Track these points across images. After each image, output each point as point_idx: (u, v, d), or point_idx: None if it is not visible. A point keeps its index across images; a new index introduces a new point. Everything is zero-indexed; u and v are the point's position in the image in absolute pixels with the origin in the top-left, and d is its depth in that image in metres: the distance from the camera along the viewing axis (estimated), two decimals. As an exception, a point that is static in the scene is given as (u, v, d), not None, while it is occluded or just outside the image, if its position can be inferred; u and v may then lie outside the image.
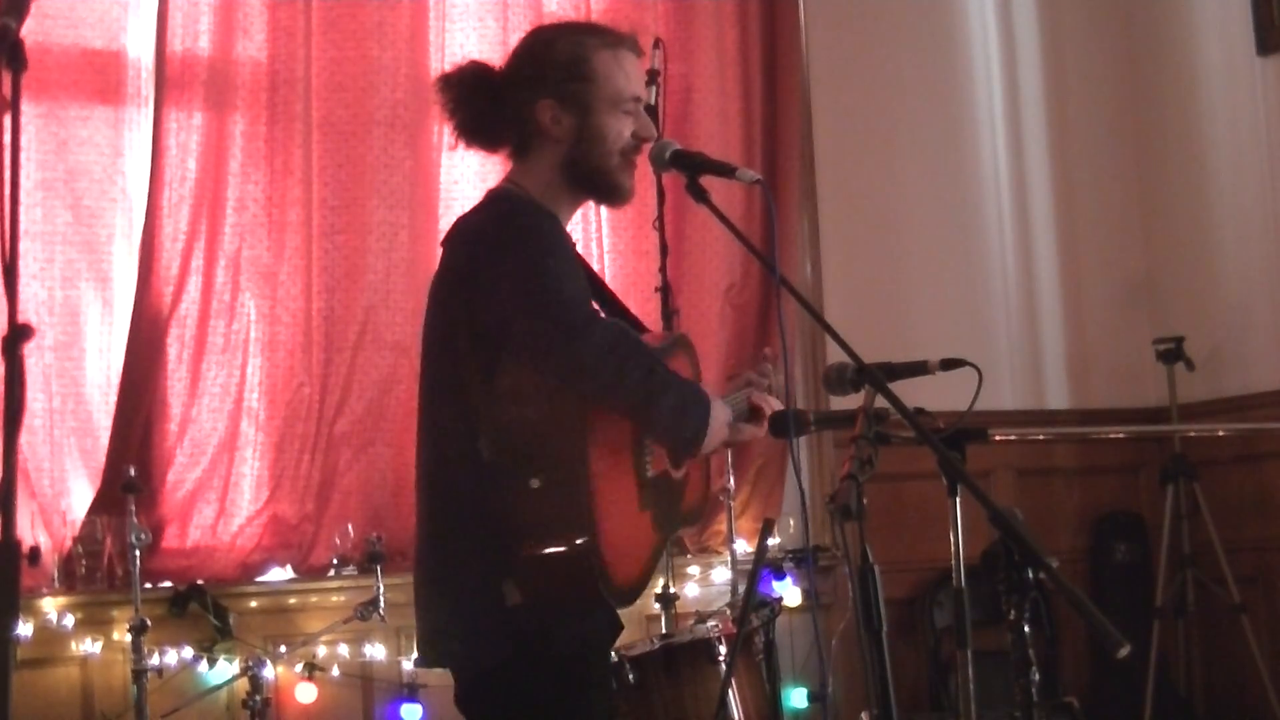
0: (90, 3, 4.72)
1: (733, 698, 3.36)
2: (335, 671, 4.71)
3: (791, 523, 5.31)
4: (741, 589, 4.30)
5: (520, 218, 2.86)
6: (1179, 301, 6.14)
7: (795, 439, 2.81)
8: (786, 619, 4.28)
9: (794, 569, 5.04)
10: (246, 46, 4.90)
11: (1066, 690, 5.60)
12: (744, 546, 5.11)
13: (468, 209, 3.06)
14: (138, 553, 4.28)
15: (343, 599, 4.76)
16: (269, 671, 4.37)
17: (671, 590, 4.78)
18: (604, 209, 4.96)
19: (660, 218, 4.83)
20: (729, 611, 4.03)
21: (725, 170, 2.89)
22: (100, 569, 4.64)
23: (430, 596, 2.88)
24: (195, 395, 4.79)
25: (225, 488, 4.79)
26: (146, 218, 4.76)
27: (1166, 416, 5.92)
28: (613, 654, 3.33)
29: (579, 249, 3.08)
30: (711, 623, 3.54)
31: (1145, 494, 6.14)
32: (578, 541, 2.68)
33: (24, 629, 4.31)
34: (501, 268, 2.78)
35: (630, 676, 3.35)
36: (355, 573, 4.78)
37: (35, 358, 4.50)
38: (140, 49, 4.81)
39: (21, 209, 1.86)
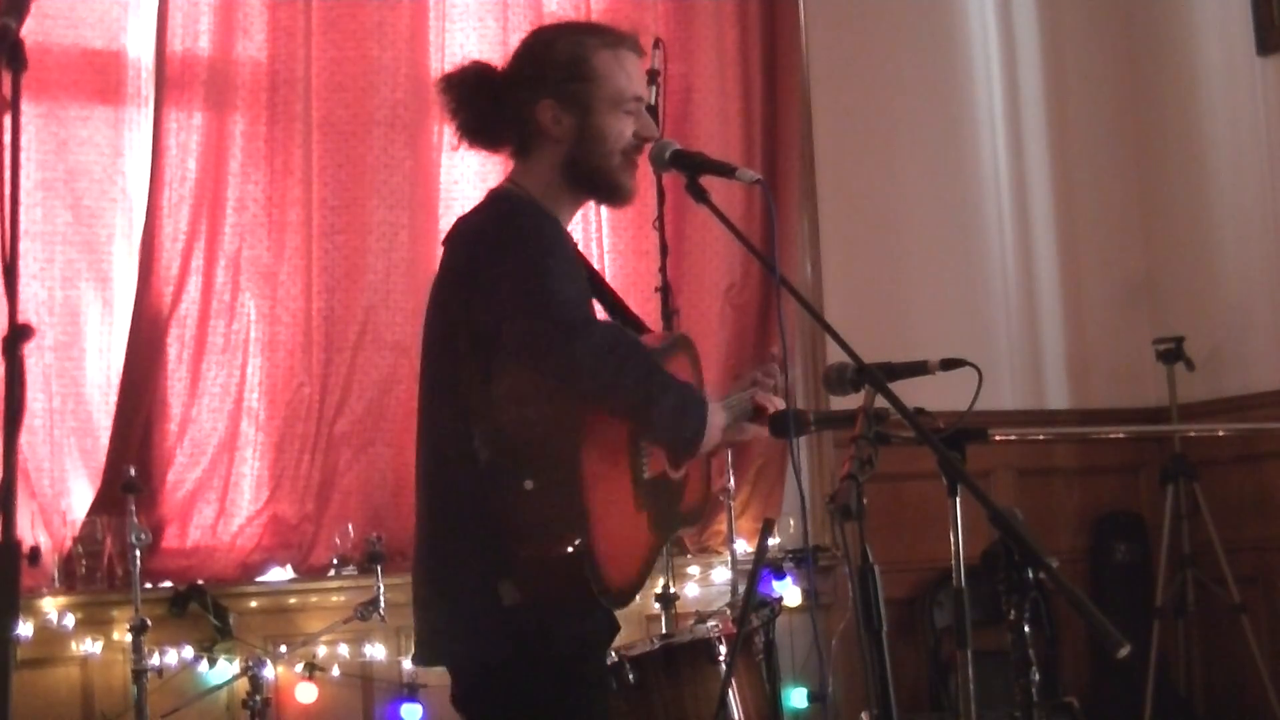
0: (90, 3, 4.72)
1: (733, 698, 3.36)
2: (335, 671, 4.71)
3: (791, 523, 5.31)
4: (741, 589, 4.30)
5: (520, 218, 2.86)
6: (1179, 301, 6.14)
7: (795, 439, 2.81)
8: (786, 619, 4.28)
9: (794, 569, 5.04)
10: (246, 46, 4.90)
11: (1066, 690, 5.60)
12: (744, 546, 5.11)
13: (468, 209, 3.06)
14: (138, 553, 4.28)
15: (343, 599, 4.77)
16: (269, 671, 4.37)
17: (671, 590, 4.78)
18: (604, 209, 4.96)
19: (660, 218, 4.83)
20: (729, 611, 4.03)
21: (725, 170, 2.89)
22: (100, 569, 4.64)
23: (428, 596, 2.89)
24: (195, 395, 4.79)
25: (225, 488, 4.79)
26: (146, 218, 4.76)
27: (1166, 416, 5.92)
28: (613, 654, 3.33)
29: (579, 249, 3.09)
30: (711, 623, 3.54)
31: (1145, 494, 6.14)
32: (571, 544, 2.68)
33: (24, 629, 4.31)
34: (501, 268, 2.77)
35: (630, 676, 3.35)
36: (355, 573, 4.78)
37: (35, 358, 4.50)
38: (140, 49, 4.81)
39: (21, 209, 1.86)
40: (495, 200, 2.96)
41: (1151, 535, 6.01)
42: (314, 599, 4.85)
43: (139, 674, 4.23)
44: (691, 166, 2.92)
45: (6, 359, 1.81)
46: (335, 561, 4.84)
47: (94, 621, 4.54)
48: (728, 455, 4.86)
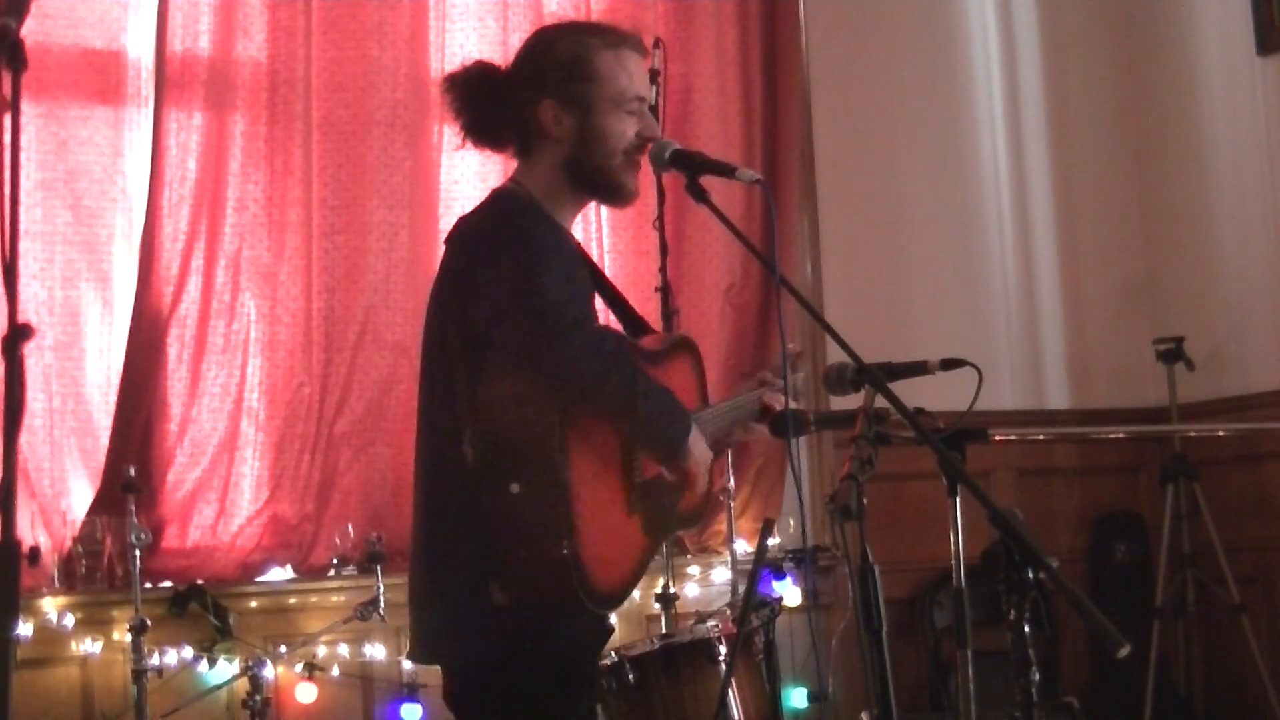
0: (90, 3, 4.72)
1: (733, 698, 3.36)
2: (335, 671, 4.71)
3: (791, 523, 5.31)
4: (741, 589, 4.29)
5: (518, 219, 2.86)
6: (1179, 301, 6.14)
7: (794, 439, 2.81)
8: (786, 619, 4.28)
9: (794, 569, 5.04)
10: (246, 46, 4.90)
11: (1066, 690, 5.60)
12: (744, 546, 5.11)
13: (468, 209, 3.07)
14: (138, 553, 4.28)
15: (343, 599, 4.76)
16: (269, 671, 4.37)
17: (671, 590, 4.78)
18: (604, 209, 4.96)
19: (660, 218, 4.83)
20: (729, 611, 4.03)
21: (725, 170, 2.89)
22: (100, 569, 4.64)
23: (423, 594, 2.90)
24: (195, 395, 4.79)
25: (225, 488, 4.79)
26: (146, 218, 4.76)
27: (1166, 416, 5.92)
28: (612, 654, 3.34)
29: (582, 249, 3.09)
30: (711, 623, 3.54)
31: (1145, 494, 6.14)
32: (557, 547, 2.68)
33: (24, 629, 4.31)
34: (496, 269, 2.78)
35: (630, 676, 3.35)
36: (355, 573, 4.78)
37: (35, 358, 4.49)
38: (140, 49, 4.81)
39: (21, 209, 1.86)
40: (496, 200, 2.96)
41: (1151, 535, 6.01)
42: (314, 599, 4.85)
43: (139, 674, 4.23)
44: (691, 166, 2.92)
45: (6, 359, 1.81)
46: (335, 561, 4.84)
47: (94, 621, 4.54)
48: (728, 455, 4.85)
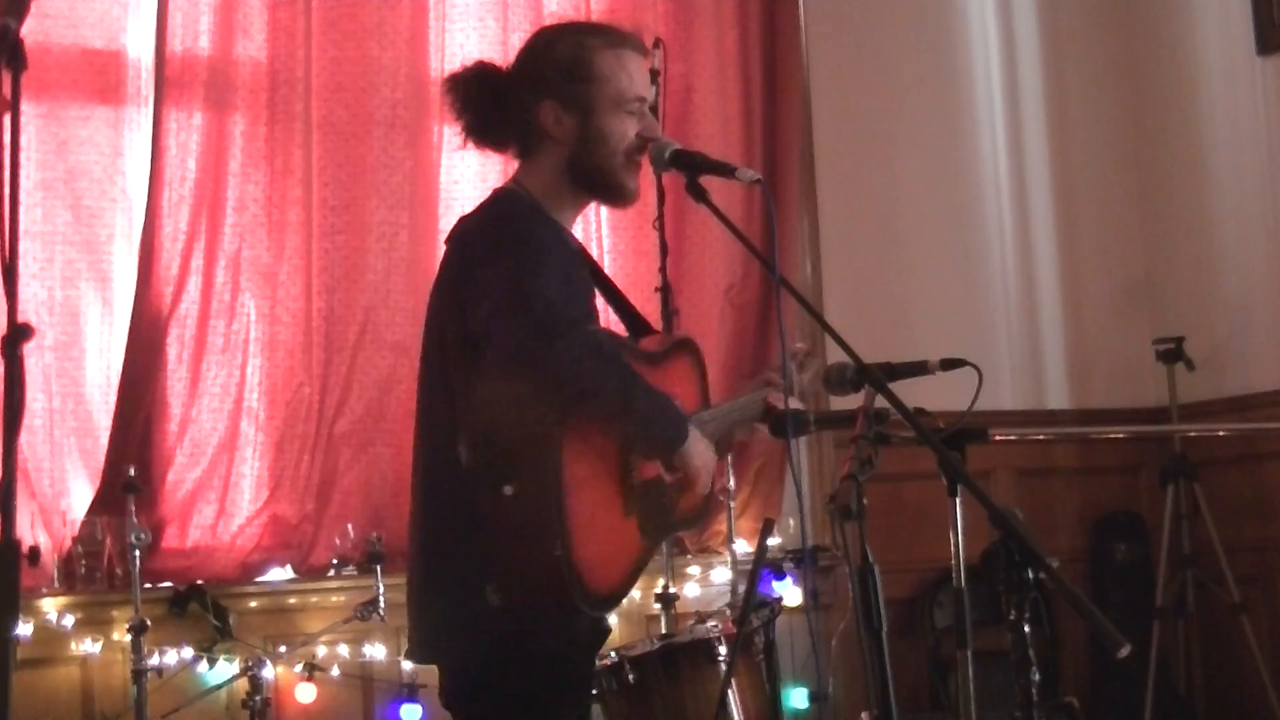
0: (90, 3, 4.72)
1: (733, 698, 3.36)
2: (335, 671, 4.70)
3: (791, 523, 5.30)
4: (741, 589, 4.29)
5: (517, 219, 2.86)
6: (1179, 301, 6.14)
7: (794, 439, 2.81)
8: (786, 619, 4.28)
9: (794, 569, 5.04)
10: (246, 46, 4.90)
11: (1067, 690, 5.60)
12: (744, 546, 5.11)
13: (468, 209, 3.06)
14: (138, 553, 4.28)
15: (343, 599, 4.76)
16: (269, 671, 4.37)
17: (671, 590, 4.78)
18: (604, 209, 4.96)
19: (660, 218, 4.83)
20: (729, 611, 4.02)
21: (725, 170, 2.89)
22: (100, 569, 4.65)
23: (420, 595, 2.90)
24: (195, 395, 4.78)
25: (225, 488, 4.79)
26: (146, 218, 4.76)
27: (1167, 416, 5.92)
28: (612, 654, 3.33)
29: (584, 249, 3.09)
30: (711, 623, 3.53)
31: (1145, 494, 6.14)
32: (550, 549, 2.68)
33: (24, 629, 4.31)
34: (495, 269, 2.78)
35: (630, 676, 3.35)
36: (355, 573, 4.78)
37: (35, 358, 4.49)
38: (140, 49, 4.81)
39: (21, 209, 1.87)
40: (496, 200, 2.97)
41: (1151, 535, 6.01)
42: (314, 599, 4.85)
43: (139, 674, 4.23)
44: (691, 166, 2.91)
45: (6, 359, 1.81)
46: (335, 561, 4.84)
47: (94, 621, 4.53)
48: (728, 456, 4.85)
